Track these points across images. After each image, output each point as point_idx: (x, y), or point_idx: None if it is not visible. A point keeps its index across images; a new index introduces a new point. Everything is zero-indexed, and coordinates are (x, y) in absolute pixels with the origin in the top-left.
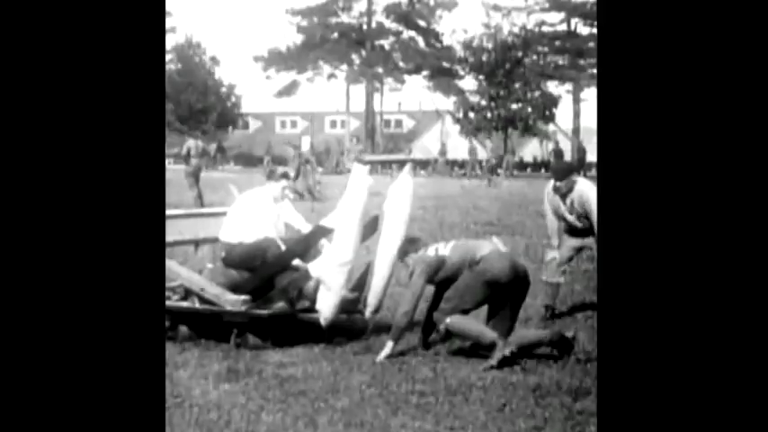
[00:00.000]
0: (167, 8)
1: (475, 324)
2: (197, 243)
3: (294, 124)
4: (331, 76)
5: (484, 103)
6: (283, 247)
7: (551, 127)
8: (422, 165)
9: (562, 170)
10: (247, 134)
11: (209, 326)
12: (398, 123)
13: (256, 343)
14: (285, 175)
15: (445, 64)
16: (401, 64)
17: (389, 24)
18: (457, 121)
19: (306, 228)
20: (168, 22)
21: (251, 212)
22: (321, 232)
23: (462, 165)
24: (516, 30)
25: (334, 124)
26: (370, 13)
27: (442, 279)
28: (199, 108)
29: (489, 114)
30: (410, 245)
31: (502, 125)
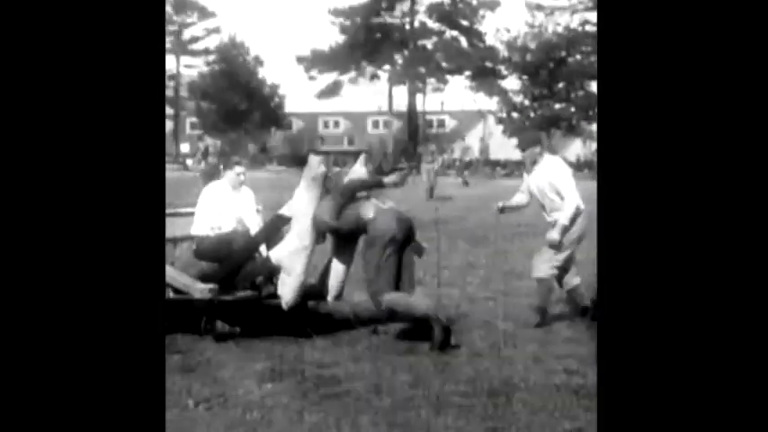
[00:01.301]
0: (212, 9)
1: (405, 298)
2: (175, 241)
3: (337, 124)
4: (374, 76)
5: (527, 103)
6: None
7: (595, 127)
8: (465, 165)
9: (526, 140)
10: (290, 134)
11: (182, 314)
12: (441, 123)
13: (224, 329)
14: (238, 162)
15: (488, 64)
16: (444, 64)
17: (432, 24)
18: (500, 121)
19: (254, 224)
20: (212, 23)
21: (213, 203)
22: (280, 221)
23: (505, 165)
24: (560, 29)
25: (376, 124)
26: (412, 13)
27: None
28: (242, 108)
29: (532, 114)
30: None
31: (545, 125)
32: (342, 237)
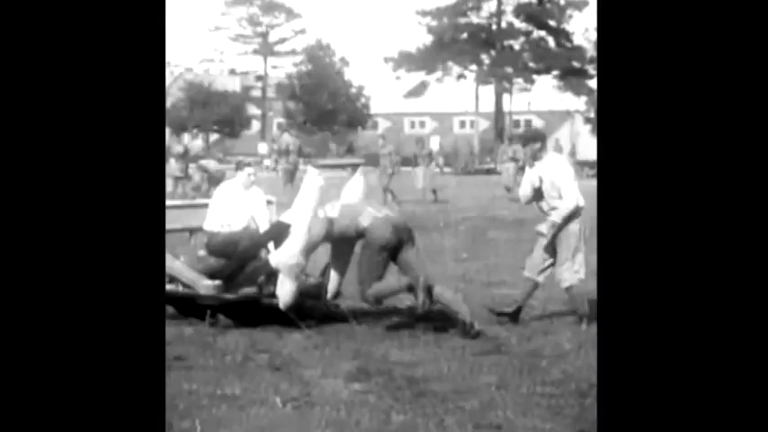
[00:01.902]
0: (298, 10)
1: (453, 297)
2: (191, 231)
3: (423, 125)
4: (460, 76)
5: None
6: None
7: None
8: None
9: (527, 135)
10: (376, 134)
11: (188, 307)
12: (528, 123)
13: (227, 323)
14: (249, 164)
15: (576, 63)
16: (531, 64)
17: (519, 24)
18: (587, 120)
19: (263, 223)
20: (298, 24)
21: (224, 202)
22: (281, 227)
23: (593, 165)
24: None
25: (462, 125)
26: (499, 13)
27: (333, 238)
28: (329, 109)
29: None
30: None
31: None
32: (339, 243)
